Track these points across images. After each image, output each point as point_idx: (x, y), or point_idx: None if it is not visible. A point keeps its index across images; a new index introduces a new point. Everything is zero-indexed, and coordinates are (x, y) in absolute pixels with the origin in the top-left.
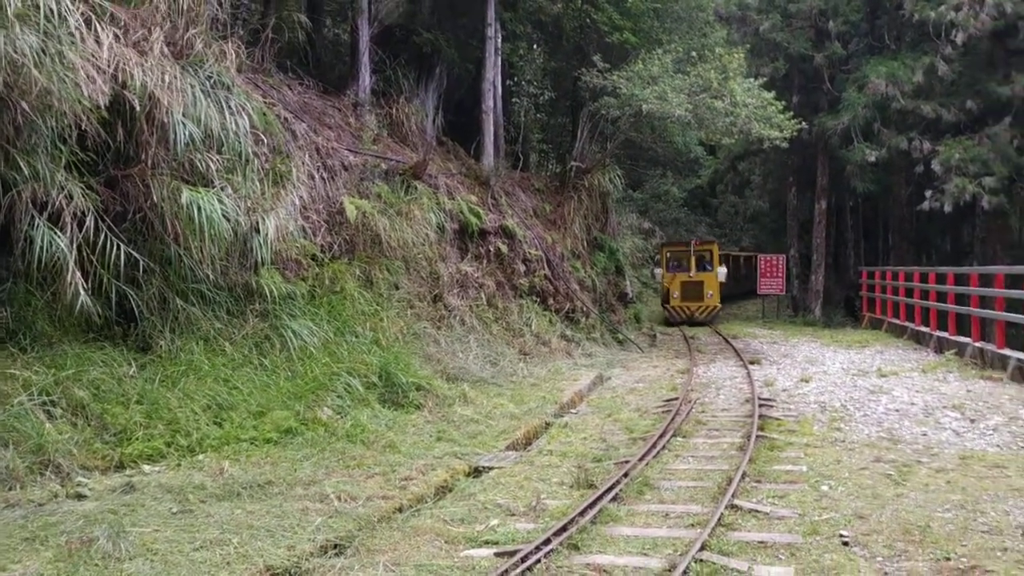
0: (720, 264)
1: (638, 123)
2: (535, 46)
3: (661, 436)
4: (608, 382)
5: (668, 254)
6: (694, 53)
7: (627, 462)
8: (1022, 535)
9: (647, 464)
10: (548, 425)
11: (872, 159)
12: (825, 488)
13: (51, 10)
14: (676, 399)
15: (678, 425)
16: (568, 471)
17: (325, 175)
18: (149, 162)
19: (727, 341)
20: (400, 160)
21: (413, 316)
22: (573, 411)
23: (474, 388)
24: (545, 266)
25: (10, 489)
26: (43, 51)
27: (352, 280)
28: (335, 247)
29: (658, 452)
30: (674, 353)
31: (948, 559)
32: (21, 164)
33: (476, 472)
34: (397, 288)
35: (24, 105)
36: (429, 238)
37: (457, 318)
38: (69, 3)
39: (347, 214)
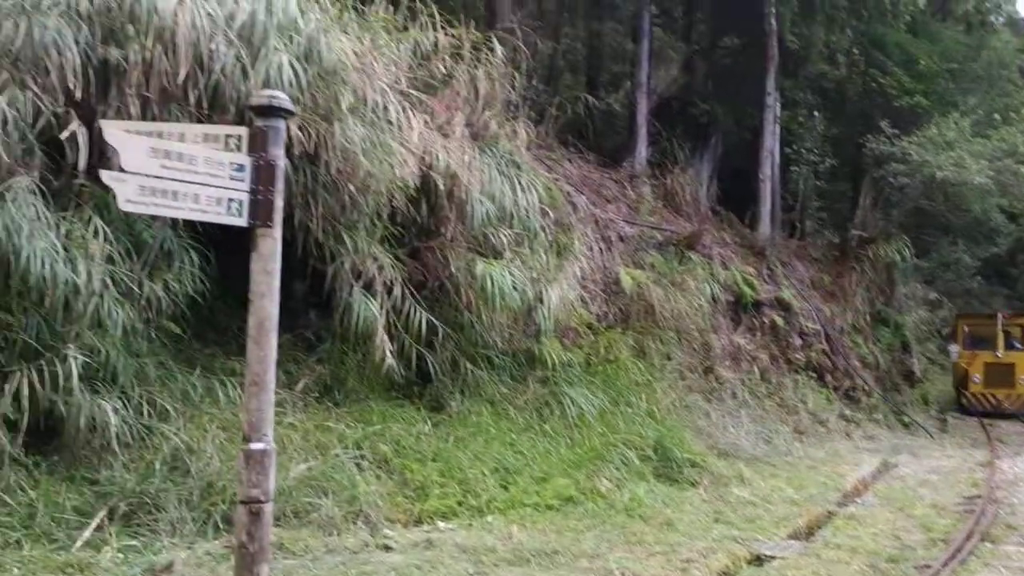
0: None
1: (929, 190)
2: (815, 112)
3: (966, 539)
4: (894, 470)
5: (966, 328)
6: (996, 115)
7: (928, 567)
8: None
9: (952, 571)
10: (831, 514)
11: None
12: None
13: (376, 103)
14: (979, 496)
15: (984, 528)
16: (860, 570)
17: (602, 246)
18: (448, 236)
19: (1015, 415)
20: (674, 230)
21: (684, 388)
22: (858, 501)
23: (748, 467)
24: (823, 340)
25: (329, 535)
26: (368, 139)
27: (626, 349)
28: (610, 316)
29: (963, 558)
30: (970, 441)
31: None
32: (345, 238)
33: (758, 560)
34: (669, 359)
35: (351, 187)
36: (702, 308)
37: (728, 391)
38: (390, 95)
39: (623, 284)
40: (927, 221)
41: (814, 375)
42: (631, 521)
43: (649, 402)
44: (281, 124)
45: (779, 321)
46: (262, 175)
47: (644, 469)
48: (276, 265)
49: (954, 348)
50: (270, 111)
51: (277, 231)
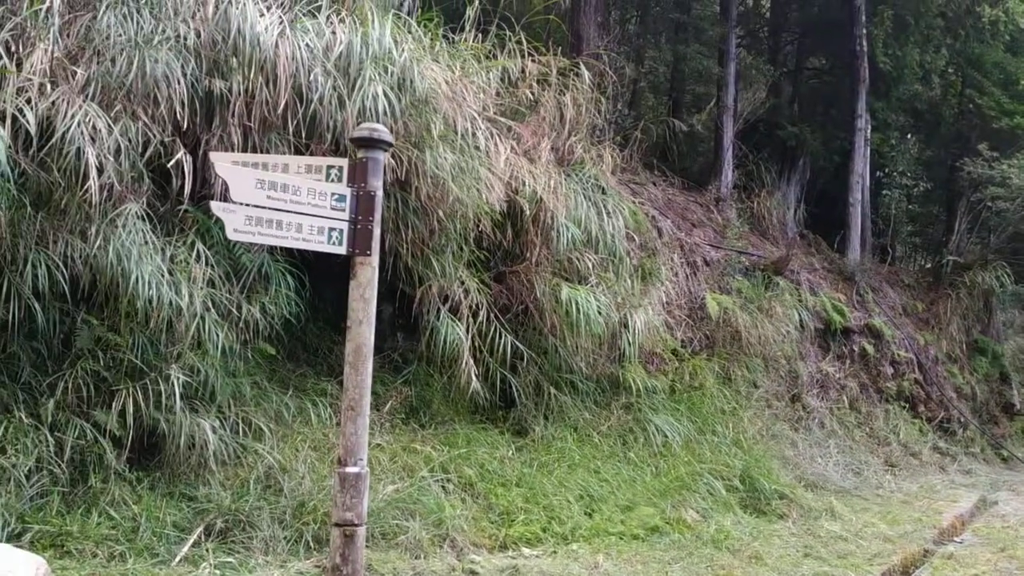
0: None
1: None
2: (908, 135)
3: None
4: (994, 507)
5: None
6: None
7: None
8: None
9: None
10: (927, 553)
11: None
12: None
13: (466, 130)
14: None
15: None
16: None
17: (688, 270)
18: (533, 260)
19: None
20: (761, 255)
21: (771, 416)
22: (956, 540)
23: (838, 499)
24: (916, 369)
25: (416, 558)
26: (457, 166)
27: (711, 376)
28: (695, 342)
29: None
30: None
31: None
32: (432, 262)
33: None
34: (756, 386)
35: (440, 212)
36: (789, 335)
37: (816, 420)
38: (479, 122)
39: (708, 309)
40: None
41: (906, 405)
42: (718, 553)
43: (735, 430)
44: (380, 155)
45: (869, 349)
46: (362, 205)
47: (731, 500)
48: (373, 292)
49: None
50: (370, 143)
51: (375, 259)
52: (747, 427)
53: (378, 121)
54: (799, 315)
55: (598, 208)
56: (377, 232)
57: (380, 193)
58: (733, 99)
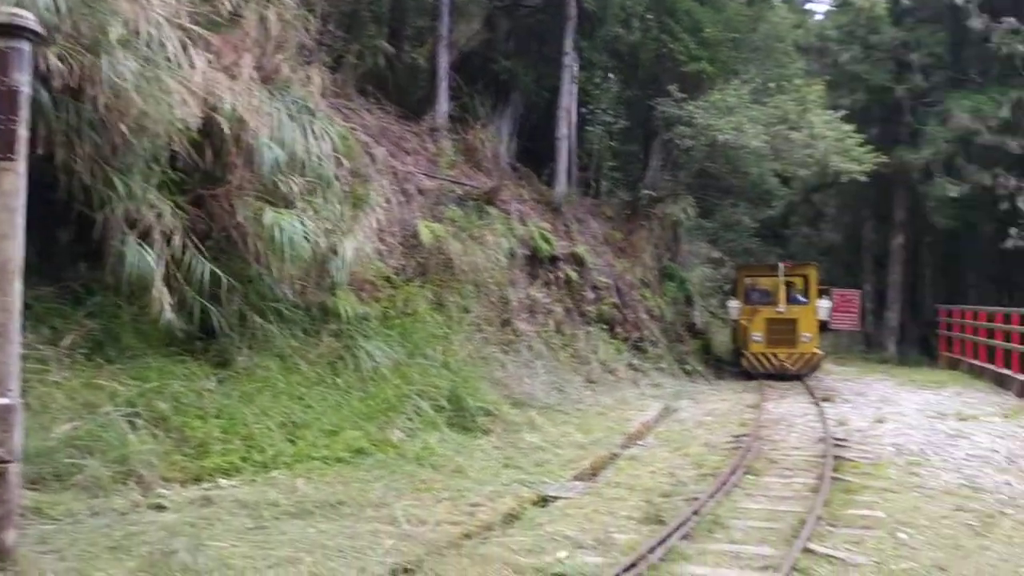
0: (822, 296)
1: (712, 153)
2: (610, 75)
3: (731, 473)
4: (676, 414)
5: (747, 281)
6: (772, 84)
7: (697, 499)
8: None
9: (718, 502)
10: (615, 456)
11: (954, 194)
12: (903, 536)
13: (151, 36)
14: (746, 435)
15: (749, 462)
16: (637, 505)
17: (401, 199)
18: (235, 183)
19: (797, 376)
20: (474, 185)
21: (482, 340)
22: (640, 443)
23: (541, 415)
24: (614, 294)
25: (95, 497)
26: (142, 75)
27: (424, 303)
28: (408, 270)
29: (729, 490)
30: (743, 387)
31: None
32: (116, 183)
33: (543, 501)
34: (467, 312)
35: (122, 127)
36: (500, 263)
37: (525, 343)
38: (168, 30)
39: (421, 237)
40: (711, 183)
41: (606, 327)
42: (421, 470)
43: (446, 354)
44: (25, 47)
45: (573, 276)
46: (3, 102)
47: (438, 419)
48: (20, 202)
49: (734, 304)
50: (11, 31)
51: (21, 165)
52: (458, 351)
53: (39, 15)
54: (509, 243)
55: (305, 130)
56: (23, 134)
57: (26, 90)
58: (448, 29)
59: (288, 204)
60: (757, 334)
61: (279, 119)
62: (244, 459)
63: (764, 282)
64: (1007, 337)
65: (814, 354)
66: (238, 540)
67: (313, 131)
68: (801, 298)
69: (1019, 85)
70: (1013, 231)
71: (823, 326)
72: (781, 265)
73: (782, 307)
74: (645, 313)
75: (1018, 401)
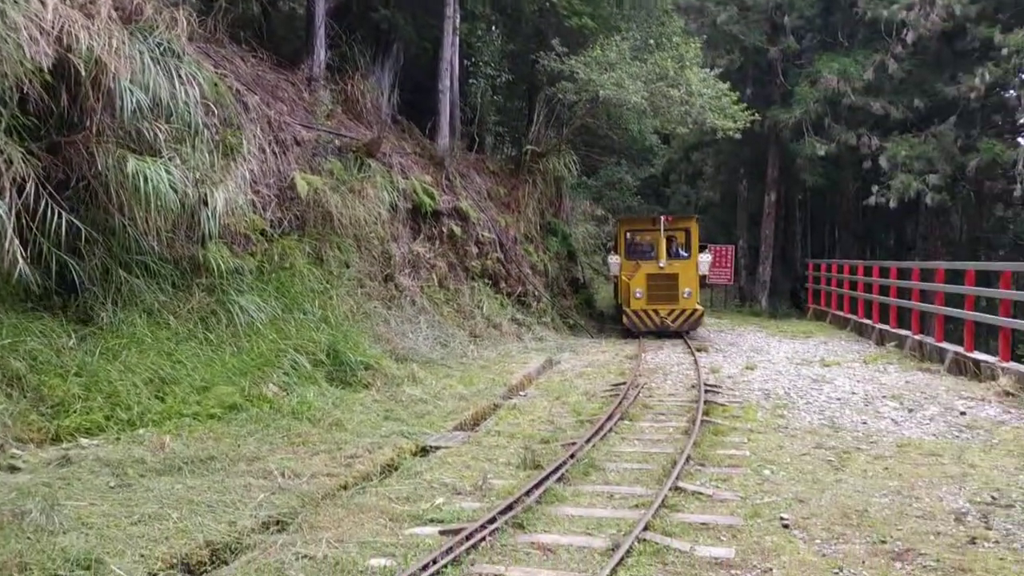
0: (702, 251)
1: (594, 109)
2: (494, 27)
3: (608, 419)
4: (558, 366)
5: (628, 235)
6: (652, 41)
7: (574, 444)
8: (955, 520)
9: (594, 446)
10: (497, 407)
11: (822, 153)
12: (767, 473)
13: None
14: (624, 384)
15: (625, 409)
16: (516, 452)
17: (277, 149)
18: (94, 129)
19: (679, 333)
20: (354, 137)
21: (363, 295)
22: (522, 393)
23: (423, 369)
24: (498, 249)
25: None
26: None
27: (302, 257)
28: (285, 223)
29: (605, 435)
30: (624, 340)
31: (884, 542)
32: None
33: (423, 452)
34: (348, 266)
35: None
36: (381, 217)
37: (408, 298)
38: None
39: (298, 190)
40: (594, 140)
41: (489, 282)
42: (297, 424)
43: (324, 309)
44: None
45: (457, 230)
46: None
47: (316, 374)
48: None
49: (614, 260)
50: None
51: None
52: (337, 305)
53: None
54: (391, 197)
55: (170, 74)
56: None
57: None
58: None
59: (153, 152)
60: (638, 290)
61: (142, 62)
62: (108, 418)
63: (645, 236)
64: (867, 289)
65: (695, 310)
66: (99, 499)
67: (180, 76)
68: (683, 252)
69: (883, 49)
70: (875, 189)
71: (702, 281)
72: (662, 219)
73: (663, 262)
74: (529, 268)
75: (877, 349)
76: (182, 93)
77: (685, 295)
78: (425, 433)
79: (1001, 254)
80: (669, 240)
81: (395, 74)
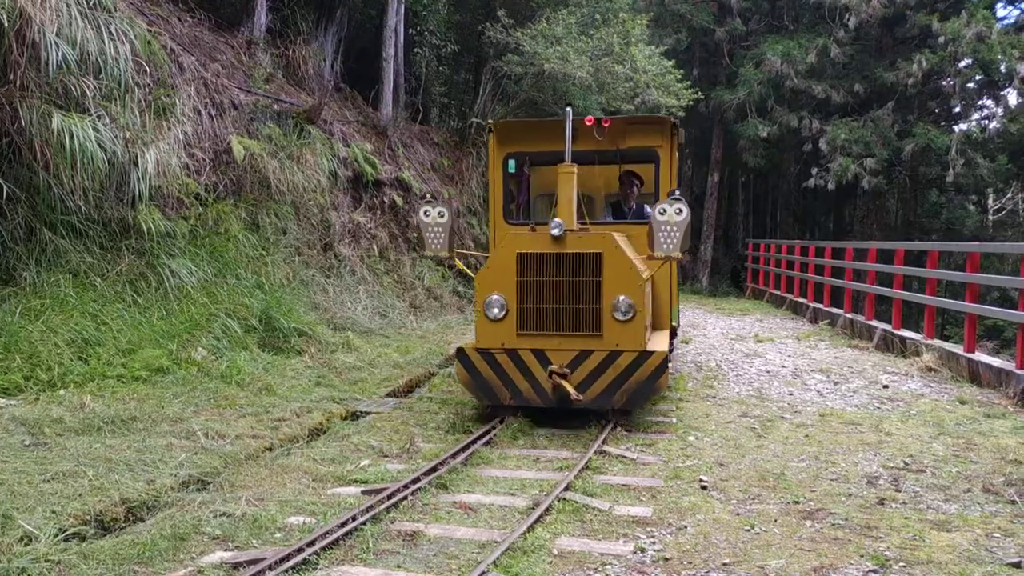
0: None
1: (540, 83)
2: None
3: None
4: None
5: (513, 161)
6: (598, 16)
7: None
8: (867, 483)
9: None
10: (432, 375)
11: (764, 135)
12: (692, 439)
13: None
14: None
15: None
16: (446, 418)
17: (213, 112)
18: (18, 83)
19: None
20: (294, 103)
21: (301, 263)
22: None
23: (360, 338)
24: None
25: None
26: None
27: (237, 222)
28: (220, 187)
29: None
30: None
31: (797, 502)
32: None
33: (354, 416)
34: (285, 233)
35: None
36: (321, 185)
37: (347, 268)
38: None
39: (234, 154)
40: (540, 113)
41: None
42: (225, 387)
43: (259, 275)
44: None
45: (399, 200)
46: None
47: (248, 339)
48: None
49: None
50: None
51: None
52: (273, 272)
53: None
54: (331, 165)
55: (100, 29)
56: None
57: None
58: None
59: (81, 109)
60: (496, 296)
61: (70, 15)
62: (27, 378)
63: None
64: (803, 269)
65: (653, 351)
66: (12, 456)
67: (109, 31)
68: (645, 209)
69: (826, 33)
70: (814, 171)
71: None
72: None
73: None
74: (471, 240)
75: (811, 326)
76: (112, 49)
77: (622, 309)
78: (356, 399)
79: (934, 239)
80: (627, 180)
81: (339, 41)
